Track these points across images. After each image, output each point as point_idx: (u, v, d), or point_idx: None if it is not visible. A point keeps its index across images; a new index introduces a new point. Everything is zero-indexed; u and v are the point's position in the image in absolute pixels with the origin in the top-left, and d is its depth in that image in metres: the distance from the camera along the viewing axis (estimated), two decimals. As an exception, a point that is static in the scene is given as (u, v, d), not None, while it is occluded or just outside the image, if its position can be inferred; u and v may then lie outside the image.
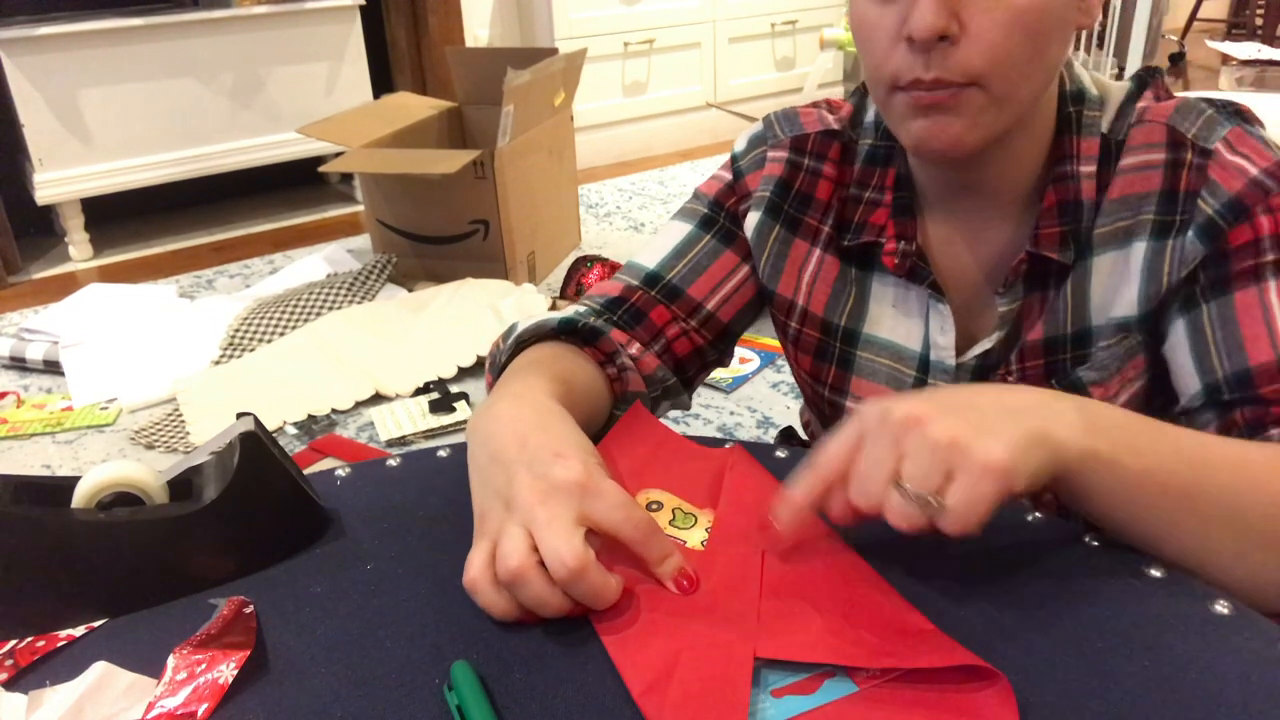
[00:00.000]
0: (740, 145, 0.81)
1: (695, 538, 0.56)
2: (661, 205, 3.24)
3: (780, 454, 0.66)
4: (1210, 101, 0.66)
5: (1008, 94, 0.61)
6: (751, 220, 0.78)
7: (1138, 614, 0.49)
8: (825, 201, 0.76)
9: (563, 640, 0.49)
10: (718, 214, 0.80)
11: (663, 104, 3.82)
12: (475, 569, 0.51)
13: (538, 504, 0.50)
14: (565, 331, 0.73)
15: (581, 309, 0.77)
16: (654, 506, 0.59)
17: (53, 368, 2.17)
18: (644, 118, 3.81)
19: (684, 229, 0.80)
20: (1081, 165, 0.67)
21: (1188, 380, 0.66)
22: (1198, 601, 0.51)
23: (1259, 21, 4.96)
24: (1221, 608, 0.50)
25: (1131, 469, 0.52)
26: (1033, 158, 0.68)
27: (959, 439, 0.48)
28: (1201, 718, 0.43)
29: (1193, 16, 5.17)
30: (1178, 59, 4.99)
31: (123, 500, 0.55)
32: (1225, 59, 3.94)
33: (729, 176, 0.81)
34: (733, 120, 3.92)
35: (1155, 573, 0.53)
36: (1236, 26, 5.25)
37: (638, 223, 3.08)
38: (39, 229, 3.08)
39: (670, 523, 0.57)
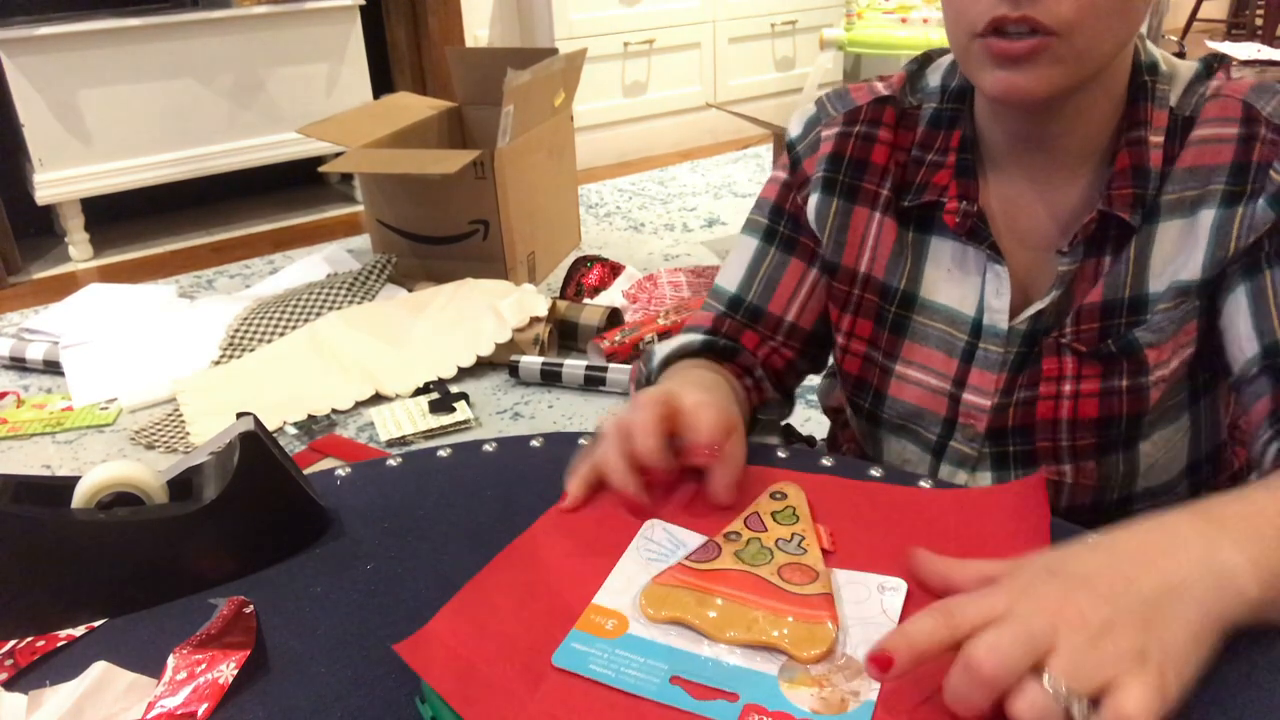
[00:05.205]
0: (795, 130, 0.81)
1: (781, 533, 0.56)
2: (661, 205, 3.24)
3: (781, 454, 0.66)
4: None
5: (1089, 47, 0.62)
6: (811, 204, 0.79)
7: (1138, 614, 0.49)
8: (882, 166, 0.76)
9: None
10: (778, 222, 0.81)
11: (663, 104, 3.82)
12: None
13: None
14: (706, 350, 0.80)
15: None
16: (778, 495, 0.59)
17: (53, 368, 2.17)
18: (644, 118, 3.81)
19: (751, 244, 0.83)
20: (1151, 134, 0.68)
21: (1245, 344, 0.66)
22: (1198, 601, 0.51)
23: (1259, 22, 4.96)
24: (1222, 608, 0.50)
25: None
26: (1104, 118, 0.69)
27: (1143, 655, 0.42)
28: (1201, 719, 0.43)
29: (1193, 17, 5.17)
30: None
31: (123, 500, 0.55)
32: (1225, 59, 3.93)
33: (784, 174, 0.81)
34: (733, 120, 3.91)
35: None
36: (1236, 27, 5.25)
37: (638, 223, 3.08)
38: (39, 229, 3.08)
39: (774, 515, 0.58)
